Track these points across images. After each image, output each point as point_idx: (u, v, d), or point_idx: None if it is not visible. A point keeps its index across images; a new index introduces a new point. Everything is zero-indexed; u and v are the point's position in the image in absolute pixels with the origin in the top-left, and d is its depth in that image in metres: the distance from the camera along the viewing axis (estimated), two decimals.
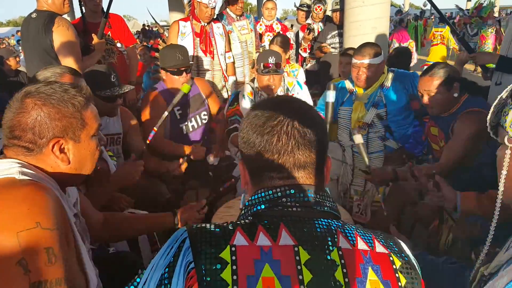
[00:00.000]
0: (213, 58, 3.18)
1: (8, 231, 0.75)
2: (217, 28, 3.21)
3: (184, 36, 3.10)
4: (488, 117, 0.84)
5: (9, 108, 0.92)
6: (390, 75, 2.34)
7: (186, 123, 2.50)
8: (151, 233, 1.77)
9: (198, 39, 3.12)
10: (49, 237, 0.78)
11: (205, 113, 2.59)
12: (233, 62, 3.38)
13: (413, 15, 11.70)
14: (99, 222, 1.35)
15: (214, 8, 3.05)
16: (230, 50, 3.37)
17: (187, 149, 2.38)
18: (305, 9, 4.55)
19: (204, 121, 2.59)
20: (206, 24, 3.10)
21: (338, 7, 3.89)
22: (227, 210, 1.96)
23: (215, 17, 3.21)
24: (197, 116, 2.55)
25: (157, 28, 13.00)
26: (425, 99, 2.00)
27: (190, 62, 2.44)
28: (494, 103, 0.82)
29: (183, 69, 2.36)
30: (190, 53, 3.01)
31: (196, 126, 2.55)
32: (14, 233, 0.74)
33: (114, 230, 1.40)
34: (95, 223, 1.31)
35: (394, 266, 0.68)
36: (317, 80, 4.16)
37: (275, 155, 0.70)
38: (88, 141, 0.99)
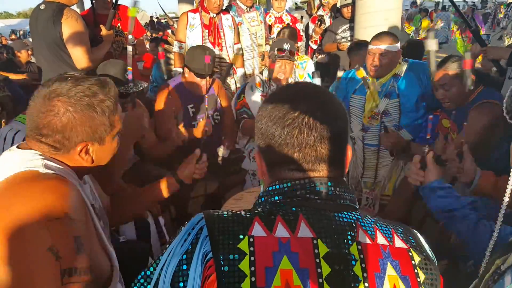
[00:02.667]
0: (221, 50, 3.15)
1: (37, 221, 0.77)
2: (226, 20, 3.18)
3: (193, 28, 3.08)
4: (505, 100, 0.82)
5: (35, 102, 0.92)
6: (404, 66, 2.30)
7: (198, 121, 2.50)
8: (159, 201, 1.70)
9: (207, 31, 3.09)
10: (76, 227, 0.81)
11: (218, 113, 2.60)
12: (242, 54, 3.35)
13: (418, 9, 11.68)
14: (108, 205, 1.35)
15: None
16: (239, 42, 3.34)
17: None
18: None
19: (217, 121, 2.59)
20: (215, 15, 3.08)
21: (349, 1, 3.81)
22: (236, 202, 1.96)
23: (224, 8, 3.18)
24: (210, 116, 2.54)
25: (165, 20, 12.98)
26: (440, 93, 1.96)
27: (215, 68, 2.42)
28: (511, 88, 0.80)
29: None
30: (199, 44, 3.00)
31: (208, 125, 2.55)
32: (43, 223, 0.76)
33: (121, 209, 1.38)
34: (105, 206, 1.32)
35: (413, 262, 0.67)
36: (327, 72, 4.11)
37: (296, 148, 0.68)
38: (111, 141, 1.03)
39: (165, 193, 1.45)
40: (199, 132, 2.25)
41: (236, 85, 3.28)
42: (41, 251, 0.75)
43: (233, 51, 3.24)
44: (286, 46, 2.38)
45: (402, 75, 2.28)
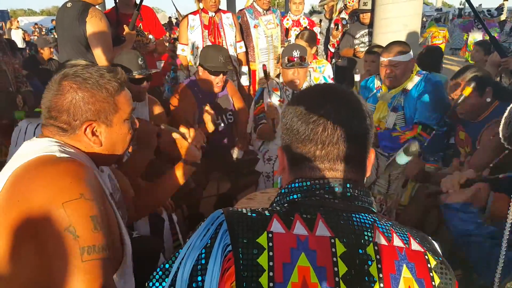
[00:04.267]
0: None
1: (55, 202, 0.80)
2: (226, 19, 3.20)
3: (193, 30, 3.12)
4: (500, 128, 0.82)
5: (48, 88, 0.98)
6: (416, 79, 2.26)
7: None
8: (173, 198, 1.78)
9: (207, 31, 3.12)
10: (93, 207, 0.83)
11: (231, 113, 2.61)
12: (245, 52, 3.36)
13: (432, 16, 11.63)
14: (131, 202, 1.37)
15: None
16: (242, 40, 3.34)
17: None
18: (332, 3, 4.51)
19: (230, 121, 2.61)
20: (214, 14, 3.10)
21: (366, 7, 3.80)
22: (248, 201, 1.97)
23: (220, 5, 3.21)
24: (223, 116, 2.58)
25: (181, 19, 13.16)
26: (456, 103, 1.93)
27: (230, 68, 2.45)
28: (505, 115, 0.81)
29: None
30: (200, 45, 3.04)
31: (222, 125, 2.57)
32: (60, 204, 0.80)
33: (142, 200, 1.40)
34: (128, 201, 1.34)
35: (429, 265, 0.67)
36: (346, 76, 4.09)
37: (319, 145, 0.68)
38: (120, 125, 1.03)
39: (182, 179, 1.40)
40: (210, 127, 2.15)
41: (238, 83, 3.28)
42: (59, 232, 0.79)
43: (235, 49, 3.25)
44: (295, 53, 2.37)
45: (410, 89, 2.25)
